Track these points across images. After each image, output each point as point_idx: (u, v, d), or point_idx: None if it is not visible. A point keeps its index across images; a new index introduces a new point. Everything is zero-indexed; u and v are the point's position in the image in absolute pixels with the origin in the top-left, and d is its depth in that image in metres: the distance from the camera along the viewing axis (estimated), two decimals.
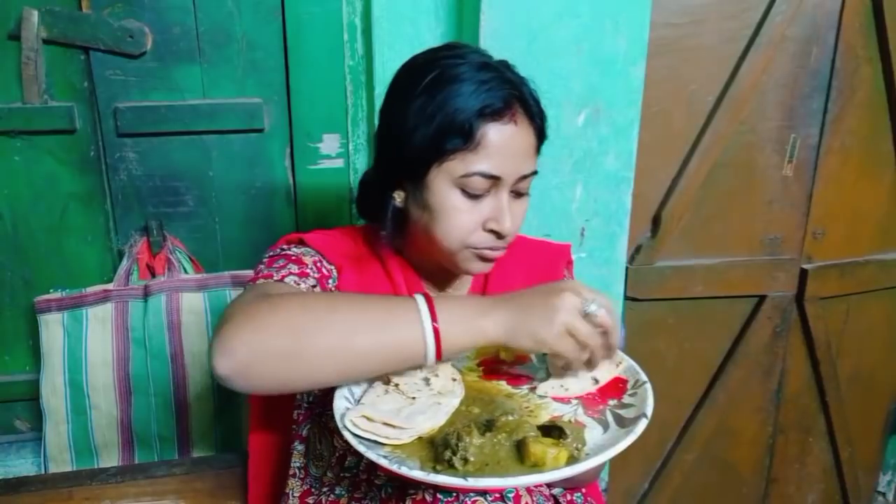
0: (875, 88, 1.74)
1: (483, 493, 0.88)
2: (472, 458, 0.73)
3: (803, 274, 1.83)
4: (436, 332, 0.77)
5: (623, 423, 0.82)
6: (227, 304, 0.82)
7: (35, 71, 1.33)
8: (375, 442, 0.77)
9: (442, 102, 0.86)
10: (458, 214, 0.90)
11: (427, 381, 0.86)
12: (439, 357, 0.79)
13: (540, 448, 0.74)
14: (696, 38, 1.61)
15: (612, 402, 0.87)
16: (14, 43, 1.33)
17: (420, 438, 0.79)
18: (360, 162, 1.51)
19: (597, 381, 0.90)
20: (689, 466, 1.95)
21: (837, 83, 1.70)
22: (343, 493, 0.93)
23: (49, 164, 1.41)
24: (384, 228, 0.98)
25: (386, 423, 0.78)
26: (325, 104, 1.45)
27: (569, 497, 1.04)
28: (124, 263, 1.46)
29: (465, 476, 0.71)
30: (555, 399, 0.88)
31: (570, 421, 0.83)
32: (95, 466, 1.47)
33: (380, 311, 0.79)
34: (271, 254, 0.99)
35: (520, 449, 0.76)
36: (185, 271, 1.46)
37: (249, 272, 1.19)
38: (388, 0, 1.34)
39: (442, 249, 0.93)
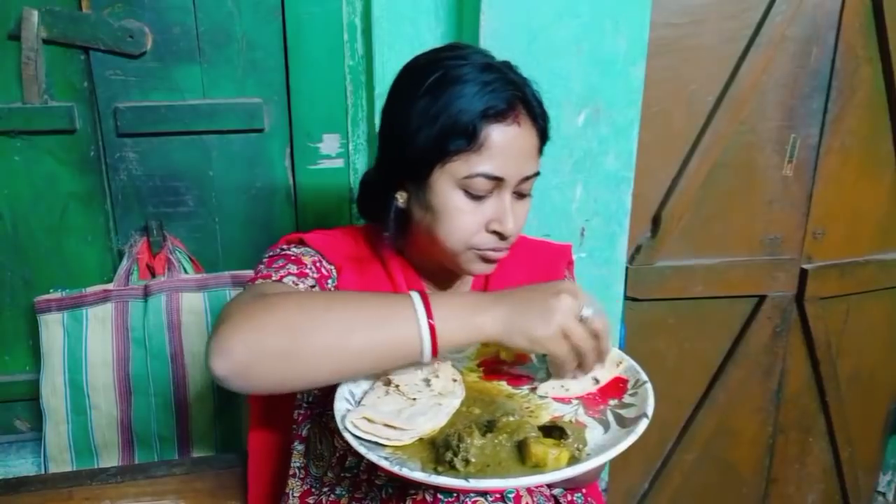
0: (875, 88, 1.74)
1: (484, 493, 0.88)
2: (473, 459, 0.73)
3: (803, 274, 1.83)
4: (431, 329, 0.77)
5: (624, 423, 0.81)
6: (224, 305, 0.82)
7: (35, 71, 1.33)
8: (376, 443, 0.77)
9: (445, 103, 0.86)
10: (461, 215, 0.90)
11: (427, 381, 0.86)
12: (435, 354, 0.78)
13: (541, 449, 0.74)
14: (696, 38, 1.61)
15: (612, 402, 0.87)
16: (14, 43, 1.33)
17: (421, 439, 0.78)
18: (361, 162, 1.51)
19: (597, 381, 0.89)
20: (689, 466, 1.95)
21: (837, 83, 1.70)
22: (343, 493, 0.93)
23: (49, 164, 1.41)
24: (386, 229, 0.98)
25: (387, 424, 0.78)
26: (325, 104, 1.45)
27: (569, 497, 1.04)
28: (124, 263, 1.46)
29: (466, 477, 0.71)
30: (555, 399, 0.88)
31: (570, 421, 0.83)
32: (95, 466, 1.47)
33: (376, 309, 0.79)
34: (271, 254, 0.99)
35: (521, 449, 0.75)
36: (185, 271, 1.46)
37: (249, 272, 1.19)
38: (388, 0, 1.34)
39: (444, 250, 0.93)
